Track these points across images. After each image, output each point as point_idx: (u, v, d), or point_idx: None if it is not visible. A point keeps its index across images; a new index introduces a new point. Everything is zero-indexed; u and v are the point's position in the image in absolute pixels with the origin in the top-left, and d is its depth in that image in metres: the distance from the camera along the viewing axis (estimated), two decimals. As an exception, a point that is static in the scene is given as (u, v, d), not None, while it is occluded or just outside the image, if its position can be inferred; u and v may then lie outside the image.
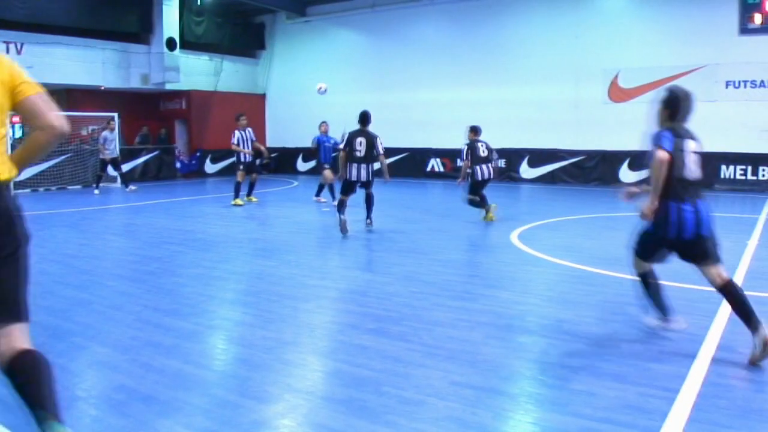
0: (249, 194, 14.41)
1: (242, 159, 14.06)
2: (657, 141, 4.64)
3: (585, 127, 17.77)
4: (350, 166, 9.66)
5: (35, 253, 8.73)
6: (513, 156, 18.98)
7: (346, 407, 3.85)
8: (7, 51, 17.27)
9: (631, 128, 16.82)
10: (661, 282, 5.19)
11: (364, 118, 9.86)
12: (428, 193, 16.20)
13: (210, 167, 22.78)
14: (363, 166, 9.68)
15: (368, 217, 10.38)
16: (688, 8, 16.36)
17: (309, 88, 22.80)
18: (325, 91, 13.81)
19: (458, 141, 19.15)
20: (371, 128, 9.92)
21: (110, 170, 18.14)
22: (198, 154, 22.37)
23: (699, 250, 4.68)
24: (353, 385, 4.17)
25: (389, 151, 18.60)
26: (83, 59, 19.30)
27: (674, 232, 4.64)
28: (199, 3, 21.77)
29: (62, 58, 18.67)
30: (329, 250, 9.19)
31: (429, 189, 17.75)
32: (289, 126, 23.14)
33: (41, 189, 16.91)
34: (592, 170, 17.83)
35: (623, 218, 11.32)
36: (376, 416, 3.71)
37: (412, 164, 20.48)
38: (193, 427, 3.67)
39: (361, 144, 9.62)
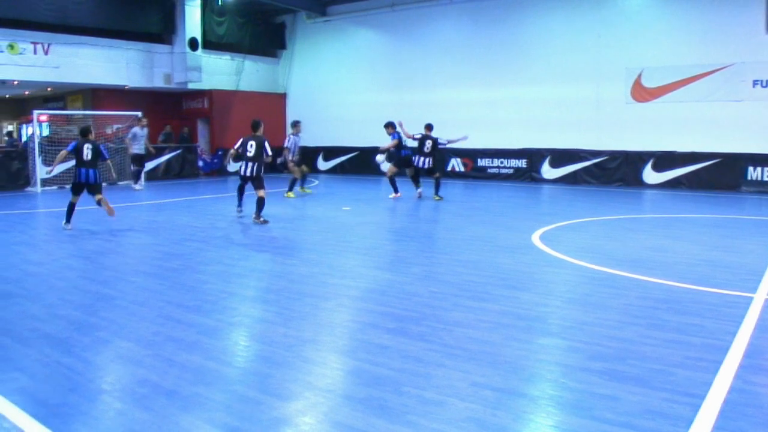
0: (302, 186, 16.43)
1: (293, 158, 15.44)
2: None
3: (607, 127, 17.60)
4: (242, 163, 11.46)
5: (61, 249, 8.90)
6: (534, 156, 18.85)
7: (365, 406, 3.85)
8: (35, 52, 17.54)
9: (654, 128, 16.63)
10: (684, 285, 5.13)
11: (256, 125, 11.54)
12: (448, 193, 16.15)
13: (232, 165, 22.89)
14: (250, 164, 11.29)
15: (258, 215, 11.33)
16: (713, 5, 16.12)
17: (329, 87, 22.87)
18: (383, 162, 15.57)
19: (478, 141, 19.12)
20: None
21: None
22: (220, 152, 22.51)
23: None
24: (373, 384, 4.17)
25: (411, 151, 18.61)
26: (108, 59, 19.55)
27: None
28: (220, 3, 21.92)
29: (87, 58, 18.93)
30: (349, 248, 9.20)
31: (449, 189, 17.70)
32: (308, 125, 23.21)
33: (67, 186, 17.16)
34: (615, 171, 17.64)
35: (646, 220, 11.21)
36: (396, 416, 3.71)
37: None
38: (215, 422, 3.70)
39: (251, 146, 11.25)
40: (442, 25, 20.22)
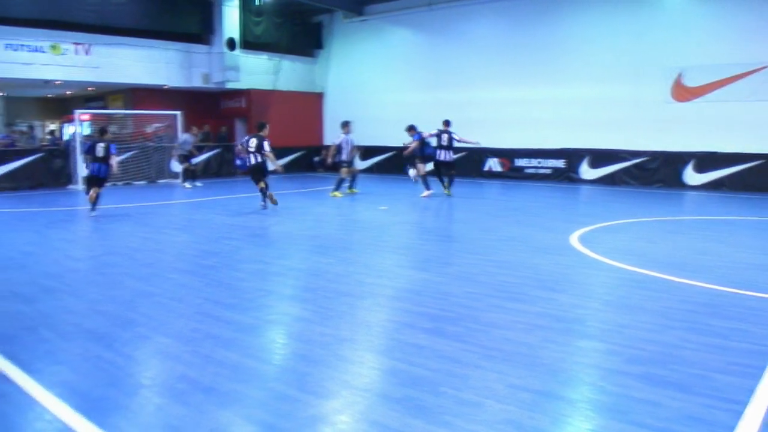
0: (351, 187, 16.36)
1: (344, 158, 15.65)
2: None
3: (646, 127, 17.25)
4: (246, 157, 13.25)
5: (101, 245, 9.07)
6: (573, 156, 18.59)
7: (402, 406, 3.85)
8: (76, 52, 17.93)
9: (695, 129, 16.26)
10: (727, 289, 5.01)
11: (261, 126, 13.43)
12: (484, 193, 16.06)
13: (268, 164, 23.13)
14: (251, 156, 13.10)
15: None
16: (756, 3, 15.67)
17: (365, 86, 22.91)
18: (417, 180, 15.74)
19: (515, 141, 18.97)
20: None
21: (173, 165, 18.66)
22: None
23: None
24: (410, 384, 4.17)
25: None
26: (147, 59, 19.91)
27: None
28: (258, 3, 22.15)
29: (127, 58, 19.31)
30: (385, 247, 9.21)
31: (486, 189, 17.60)
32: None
33: (108, 185, 17.46)
34: (655, 172, 17.30)
35: (686, 222, 10.98)
36: (433, 416, 3.70)
37: (469, 164, 20.28)
38: (252, 419, 3.74)
39: (252, 143, 13.08)
40: (480, 24, 20.09)
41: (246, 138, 13.57)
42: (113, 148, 12.16)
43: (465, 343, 4.95)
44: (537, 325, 5.42)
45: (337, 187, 15.63)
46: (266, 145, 12.97)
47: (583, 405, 3.88)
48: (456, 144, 15.18)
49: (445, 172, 15.43)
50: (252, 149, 13.01)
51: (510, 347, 4.85)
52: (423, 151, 15.63)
